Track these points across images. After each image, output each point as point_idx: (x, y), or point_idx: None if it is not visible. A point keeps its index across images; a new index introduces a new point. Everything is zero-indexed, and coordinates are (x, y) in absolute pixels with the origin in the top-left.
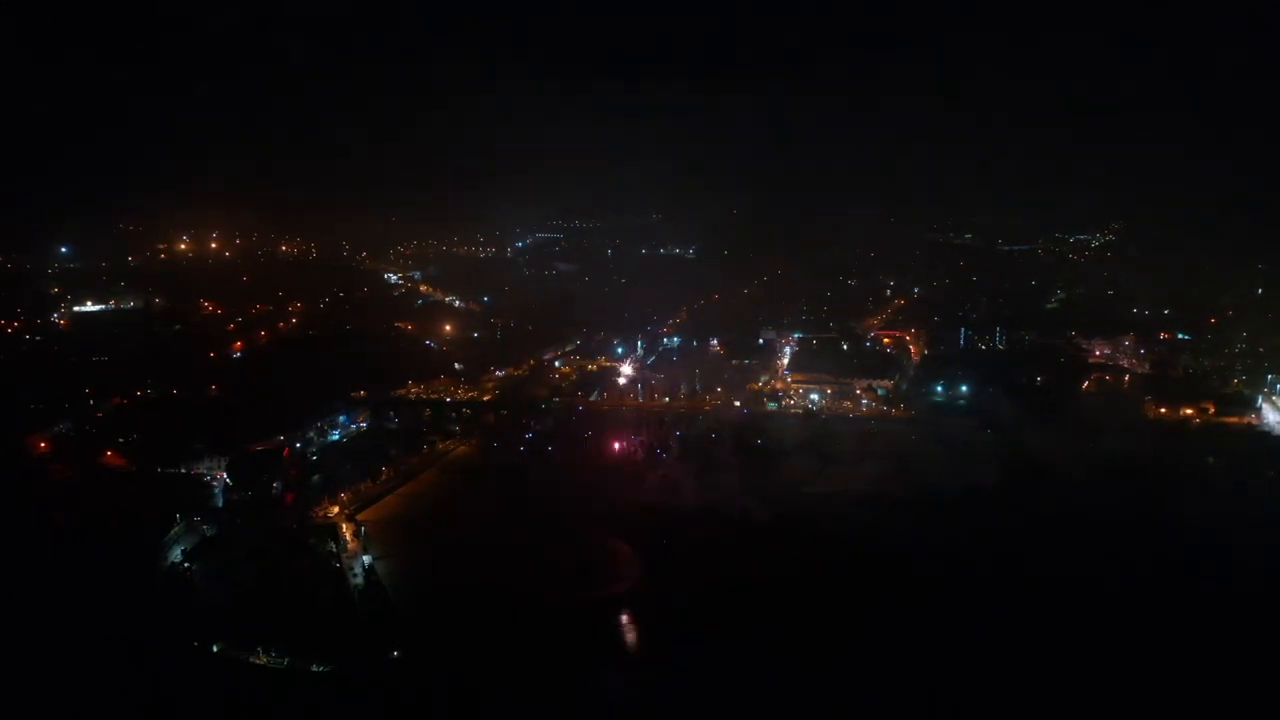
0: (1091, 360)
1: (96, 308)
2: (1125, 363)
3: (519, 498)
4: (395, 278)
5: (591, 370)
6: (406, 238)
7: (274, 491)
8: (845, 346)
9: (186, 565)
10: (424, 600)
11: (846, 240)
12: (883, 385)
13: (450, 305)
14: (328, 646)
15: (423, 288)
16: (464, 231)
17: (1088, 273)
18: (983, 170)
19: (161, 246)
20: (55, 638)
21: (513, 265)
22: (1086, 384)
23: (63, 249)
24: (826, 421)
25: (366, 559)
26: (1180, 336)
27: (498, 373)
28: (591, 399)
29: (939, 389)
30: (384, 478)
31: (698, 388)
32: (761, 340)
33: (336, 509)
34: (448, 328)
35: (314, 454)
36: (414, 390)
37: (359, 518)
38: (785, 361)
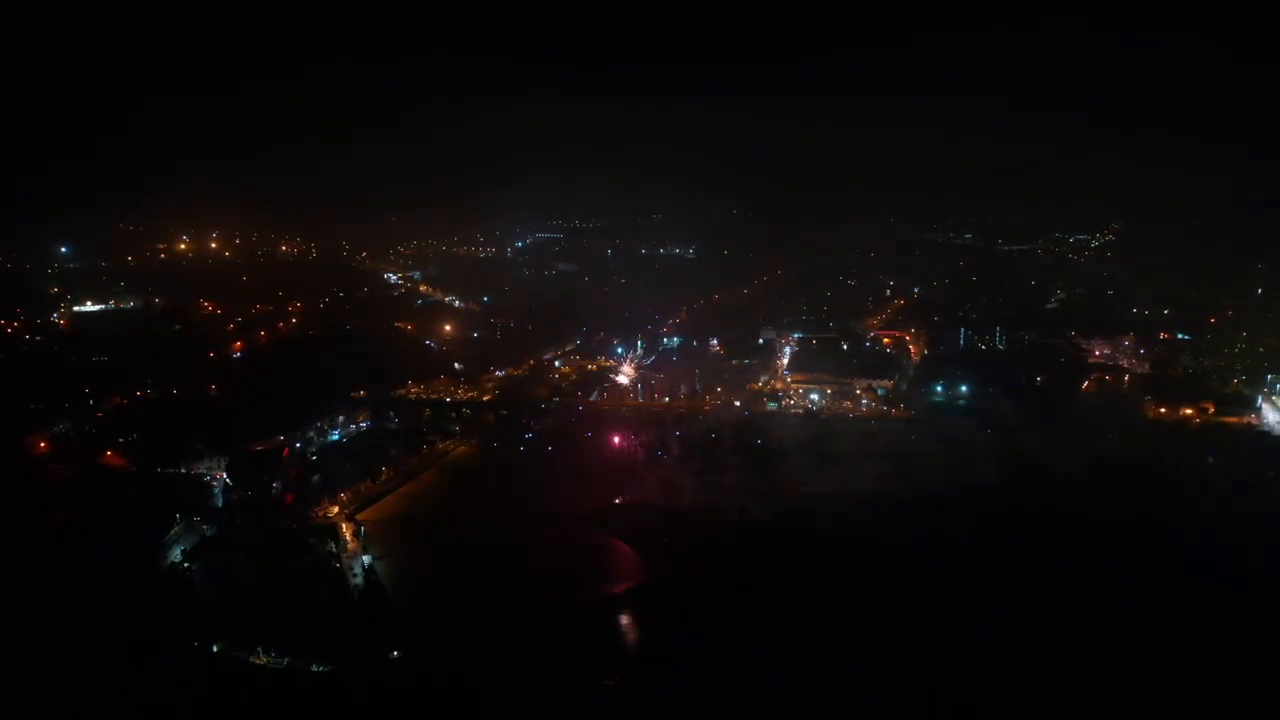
0: (1091, 360)
1: (96, 308)
2: (1125, 363)
3: (519, 498)
4: (395, 278)
5: (591, 370)
6: (406, 238)
7: (274, 491)
8: (845, 346)
9: (186, 565)
10: (424, 600)
11: (846, 240)
12: (883, 385)
13: (450, 305)
14: (328, 646)
15: (423, 288)
16: (464, 231)
17: (1088, 273)
18: (983, 170)
19: (161, 246)
20: (55, 638)
21: (513, 265)
22: (1086, 384)
23: (63, 249)
24: (826, 421)
25: (366, 559)
26: (1180, 336)
27: (498, 373)
28: (591, 399)
29: (939, 389)
30: (384, 478)
31: (698, 388)
32: (761, 340)
33: (336, 509)
34: (448, 328)
35: (314, 454)
36: (414, 390)
37: (359, 518)
38: (785, 361)
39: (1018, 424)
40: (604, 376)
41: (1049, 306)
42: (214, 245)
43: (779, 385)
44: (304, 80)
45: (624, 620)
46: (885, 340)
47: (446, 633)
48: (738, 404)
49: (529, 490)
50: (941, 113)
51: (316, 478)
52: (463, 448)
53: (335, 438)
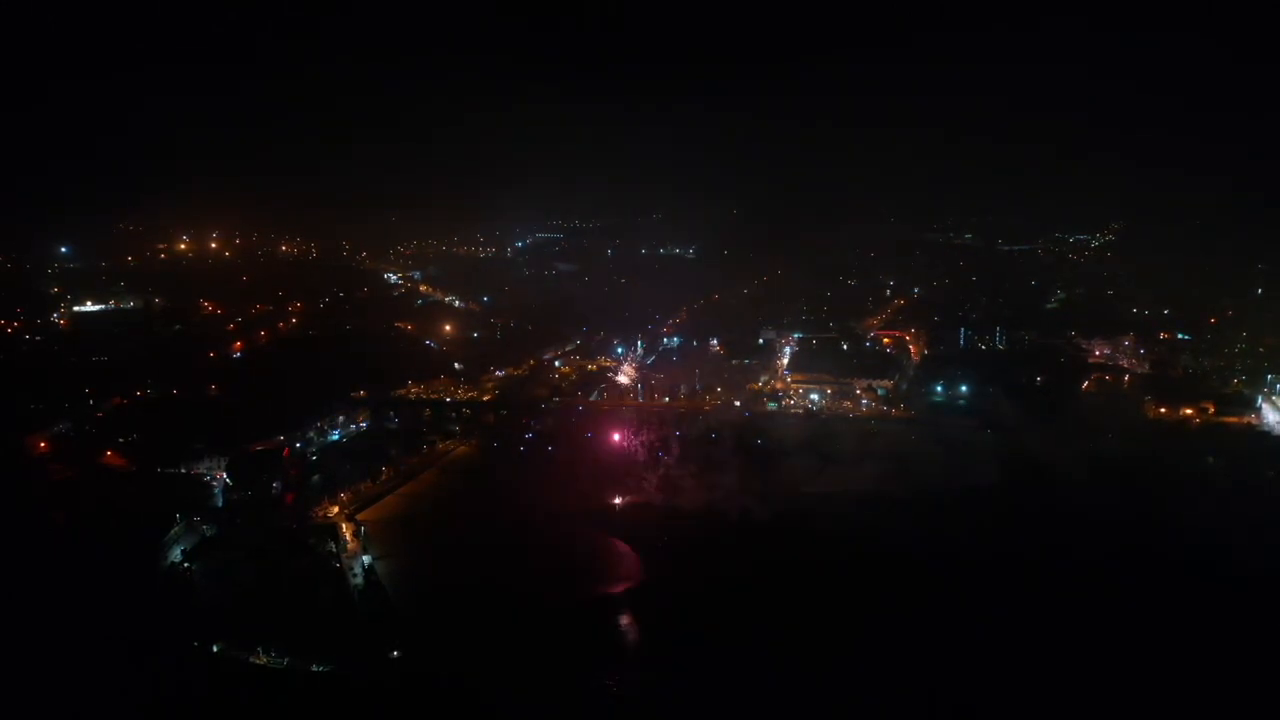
0: (1091, 360)
1: (96, 308)
2: (1125, 363)
3: (519, 498)
4: (395, 278)
5: (591, 370)
6: (406, 238)
7: (274, 491)
8: (845, 346)
9: (186, 565)
10: (424, 600)
11: (846, 240)
12: (883, 385)
13: (450, 305)
14: (328, 646)
15: (423, 288)
16: (464, 231)
17: (1088, 273)
18: (983, 170)
19: (161, 246)
20: (55, 637)
21: (513, 265)
22: (1086, 384)
23: (63, 249)
24: (826, 421)
25: (366, 559)
26: (1180, 336)
27: (498, 373)
28: (591, 399)
29: (939, 389)
30: (384, 478)
31: (698, 388)
32: (761, 340)
33: (336, 509)
34: (448, 328)
35: (314, 454)
36: (414, 390)
37: (359, 518)
38: (785, 361)
39: (1018, 424)
40: (604, 376)
41: (1049, 306)
42: (214, 245)
43: (779, 385)
44: (304, 80)
45: (624, 620)
46: (885, 340)
47: (446, 633)
48: (738, 404)
49: (529, 490)
50: (941, 113)
51: (316, 478)
52: (463, 448)
53: (335, 438)
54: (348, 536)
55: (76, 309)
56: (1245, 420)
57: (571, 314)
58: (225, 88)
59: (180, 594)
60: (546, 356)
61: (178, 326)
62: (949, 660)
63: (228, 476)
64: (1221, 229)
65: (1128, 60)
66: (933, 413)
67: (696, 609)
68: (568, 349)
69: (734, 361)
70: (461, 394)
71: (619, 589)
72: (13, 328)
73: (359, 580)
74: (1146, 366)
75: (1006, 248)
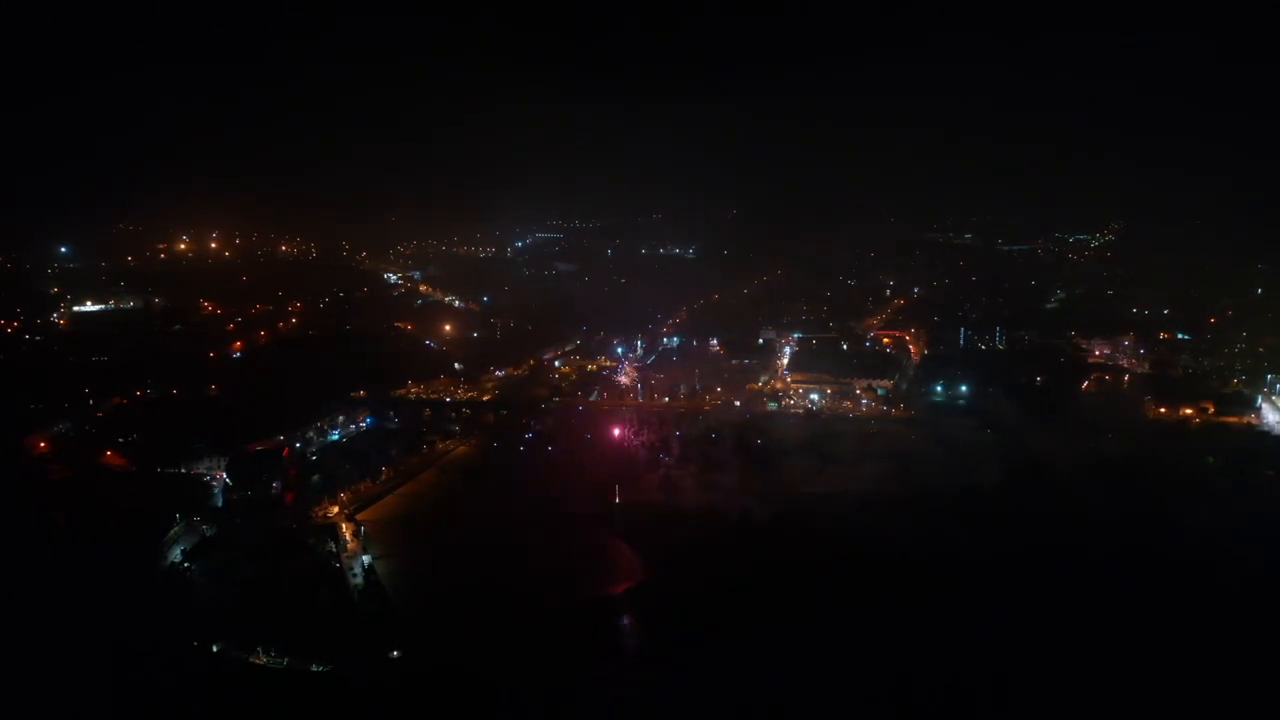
0: (1091, 360)
1: (96, 308)
2: (1125, 363)
3: (519, 498)
4: (395, 278)
5: (591, 370)
6: (406, 238)
7: (274, 491)
8: (845, 346)
9: (186, 565)
10: (424, 600)
11: (846, 240)
12: (883, 385)
13: (450, 305)
14: (328, 646)
15: (422, 288)
16: (464, 231)
17: (1088, 273)
18: (983, 170)
19: (161, 246)
20: (55, 637)
21: (513, 265)
22: (1086, 384)
23: (63, 249)
24: (826, 421)
25: (366, 559)
26: (1180, 336)
27: (498, 373)
28: (591, 399)
29: (939, 389)
30: (384, 478)
31: (698, 388)
32: (761, 340)
33: (336, 509)
34: (448, 328)
35: (314, 454)
36: (414, 390)
37: (359, 518)
38: (785, 361)
39: (1018, 424)
40: (604, 376)
41: (1049, 306)
42: (214, 245)
43: (779, 385)
44: (304, 80)
45: (624, 620)
46: (885, 340)
47: (446, 633)
48: (738, 404)
49: (529, 490)
50: (941, 113)
51: (316, 478)
52: (463, 448)
53: (335, 438)
54: (348, 536)
55: (76, 309)
56: (1245, 420)
57: (571, 314)
58: (225, 87)
59: (180, 594)
60: (546, 356)
61: (178, 326)
62: (949, 660)
63: (228, 476)
64: (1221, 229)
65: (1128, 60)
66: (933, 413)
67: (696, 609)
68: (568, 349)
69: (734, 361)
70: (461, 394)
71: (619, 589)
72: (13, 328)
73: (359, 580)
74: (1146, 366)
75: (1006, 248)
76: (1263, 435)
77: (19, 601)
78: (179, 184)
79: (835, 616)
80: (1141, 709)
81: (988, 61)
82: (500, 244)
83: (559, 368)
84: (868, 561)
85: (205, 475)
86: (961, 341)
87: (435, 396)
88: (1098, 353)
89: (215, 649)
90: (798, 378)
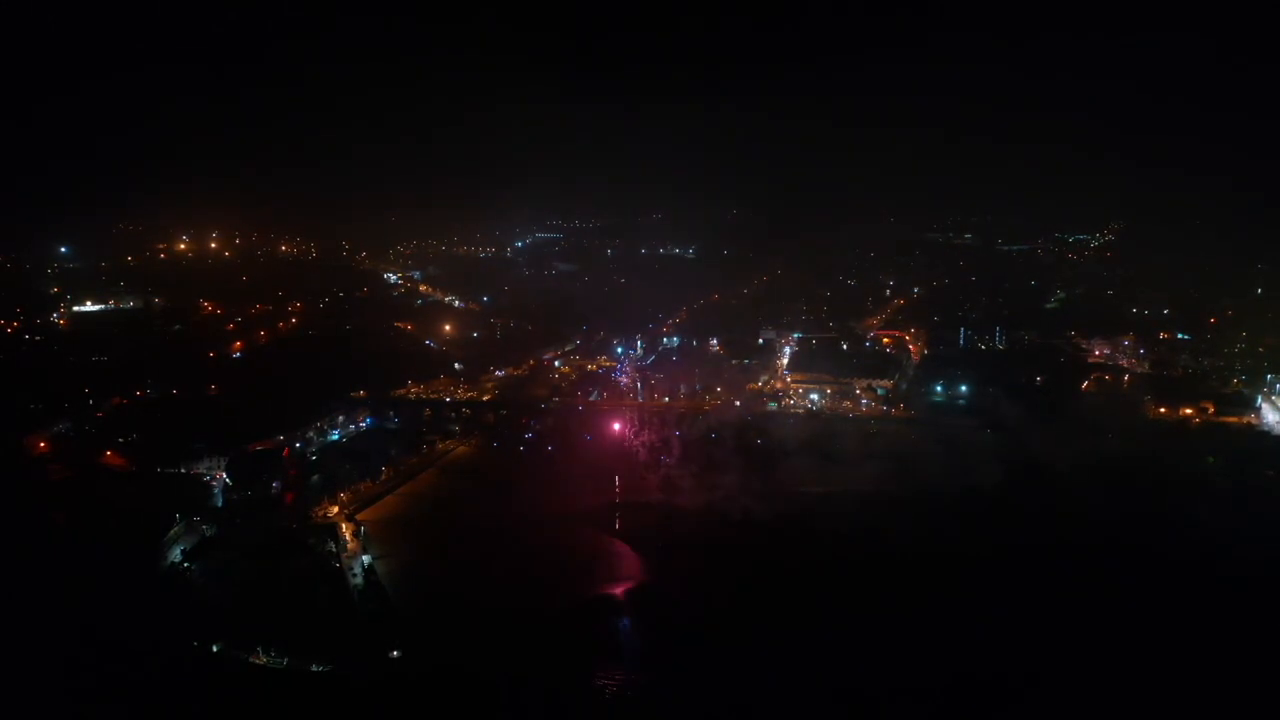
0: (1091, 360)
1: (96, 308)
2: (1125, 363)
3: (519, 498)
4: (395, 278)
5: (591, 370)
6: (406, 238)
7: (274, 491)
8: (845, 346)
9: (186, 565)
10: (424, 600)
11: (846, 240)
12: (882, 385)
13: (450, 305)
14: (328, 646)
15: (422, 288)
16: (464, 231)
17: (1088, 273)
18: (983, 170)
19: (161, 246)
20: (55, 637)
21: (512, 265)
22: (1086, 384)
23: (63, 249)
24: (827, 421)
25: (366, 559)
26: (1180, 336)
27: (498, 373)
28: (591, 399)
29: (939, 389)
30: (384, 478)
31: (698, 388)
32: (761, 340)
33: (336, 509)
34: (448, 328)
35: (314, 454)
36: (414, 390)
37: (359, 518)
38: (785, 361)
39: (1018, 424)
40: (604, 376)
41: (1049, 306)
42: (214, 245)
43: (779, 385)
44: (304, 80)
45: (624, 620)
46: (885, 340)
47: (446, 633)
48: (738, 404)
49: (529, 490)
50: (941, 113)
51: (316, 478)
52: (463, 448)
53: (335, 438)
54: (347, 536)
55: (76, 309)
56: (1245, 420)
57: (571, 314)
58: (225, 88)
59: (180, 594)
60: (546, 356)
61: (178, 326)
62: (949, 659)
63: (228, 476)
64: (1221, 229)
65: (1128, 60)
66: (933, 413)
67: (696, 609)
68: (568, 349)
69: (734, 361)
70: (461, 394)
71: (619, 589)
72: (13, 328)
73: (359, 580)
74: (1146, 366)
75: (1006, 248)
76: (1263, 435)
77: (19, 601)
78: (179, 184)
79: (835, 616)
80: (1142, 708)
81: (988, 61)
82: (500, 244)
83: (559, 368)
84: (868, 561)
85: (205, 475)
86: (961, 341)
87: (435, 396)
88: (1098, 353)
89: (215, 649)
90: (798, 378)
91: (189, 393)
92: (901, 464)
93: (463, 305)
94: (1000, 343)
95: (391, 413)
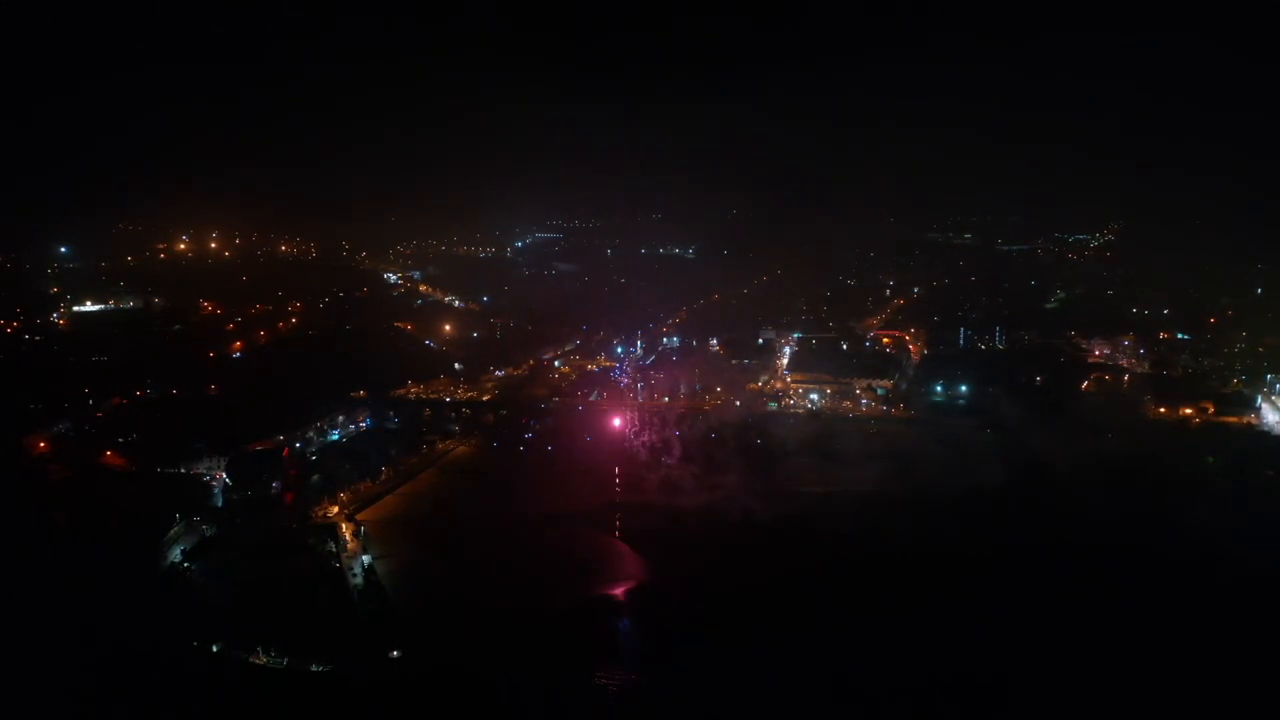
0: (1091, 360)
1: (96, 308)
2: (1125, 363)
3: (519, 498)
4: (395, 278)
5: (591, 370)
6: (406, 238)
7: (274, 491)
8: (845, 346)
9: (186, 565)
10: (424, 600)
11: (846, 240)
12: (882, 385)
13: (450, 305)
14: (328, 646)
15: (422, 288)
16: (464, 231)
17: (1088, 273)
18: (983, 170)
19: (161, 246)
20: (55, 637)
21: (512, 265)
22: (1086, 384)
23: (63, 249)
24: (826, 421)
25: (366, 559)
26: (1180, 336)
27: (498, 373)
28: (591, 399)
29: (939, 389)
30: (384, 478)
31: (698, 388)
32: (761, 340)
33: (336, 509)
34: (447, 328)
35: (314, 454)
36: (414, 390)
37: (359, 518)
38: (785, 361)
39: (1018, 424)
40: (604, 376)
41: (1049, 306)
42: (214, 245)
43: (779, 385)
44: (304, 80)
45: (624, 620)
46: (885, 340)
47: (446, 633)
48: (738, 404)
49: (529, 490)
50: (941, 113)
51: (316, 478)
52: (463, 448)
53: (335, 438)
54: (347, 536)
55: (76, 309)
56: (1245, 420)
57: (571, 314)
58: (225, 87)
59: (180, 594)
60: (546, 356)
61: (178, 326)
62: (949, 659)
63: (228, 476)
64: (1221, 229)
65: (1128, 60)
66: (933, 412)
67: (696, 609)
68: (568, 349)
69: (734, 361)
70: (461, 394)
71: (619, 589)
72: (13, 328)
73: (359, 580)
74: (1146, 366)
75: (1006, 248)
76: (1263, 435)
77: (19, 601)
78: (179, 184)
79: (835, 616)
80: (1142, 708)
81: (988, 61)
82: (500, 244)
83: (559, 368)
84: (868, 561)
85: (205, 475)
86: (961, 341)
87: (435, 396)
88: (1098, 353)
89: (215, 649)
90: (798, 378)
91: (189, 393)
92: (901, 464)
93: (463, 305)
94: (1000, 343)
95: (391, 413)
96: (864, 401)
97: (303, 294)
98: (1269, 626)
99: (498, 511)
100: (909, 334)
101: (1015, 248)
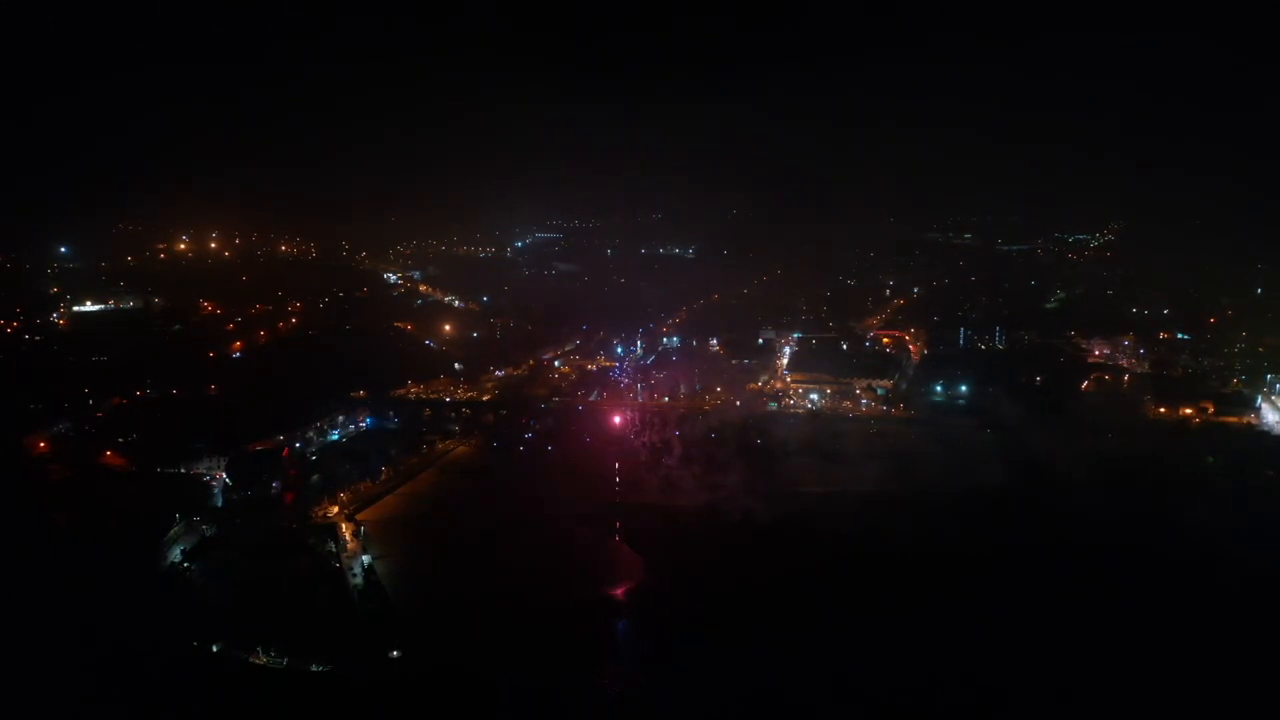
0: (1091, 360)
1: (96, 308)
2: (1125, 363)
3: (519, 498)
4: (395, 278)
5: (591, 370)
6: (406, 238)
7: (274, 491)
8: (845, 346)
9: (186, 565)
10: (424, 600)
11: (846, 240)
12: (882, 385)
13: (450, 305)
14: (328, 646)
15: (422, 288)
16: (464, 231)
17: (1088, 273)
18: (983, 170)
19: (161, 246)
20: (55, 637)
21: (512, 265)
22: (1086, 384)
23: (63, 249)
24: (826, 421)
25: (366, 559)
26: (1180, 336)
27: (498, 373)
28: (591, 399)
29: (939, 389)
30: (384, 478)
31: (698, 387)
32: (761, 340)
33: (336, 509)
34: (448, 328)
35: (314, 454)
36: (414, 390)
37: (359, 518)
38: (785, 361)
39: (1018, 424)
40: (604, 376)
41: (1049, 306)
42: (214, 245)
43: (779, 385)
44: (304, 80)
45: (624, 620)
46: (885, 340)
47: (446, 633)
48: (738, 404)
49: (529, 490)
50: (941, 112)
51: (316, 478)
52: (463, 448)
53: (335, 438)
54: (347, 536)
55: (76, 309)
56: (1245, 420)
57: (571, 314)
58: (225, 87)
59: (180, 594)
60: (546, 356)
61: (178, 326)
62: (949, 659)
63: (228, 476)
64: (1221, 229)
65: (1128, 60)
66: (933, 413)
67: (696, 609)
68: (568, 349)
69: (734, 361)
70: (461, 394)
71: (619, 589)
72: (13, 328)
73: (359, 580)
74: (1146, 366)
75: (1006, 248)
76: (1263, 435)
77: (19, 601)
78: (179, 184)
79: (836, 616)
80: (1142, 708)
81: (988, 61)
82: (500, 244)
83: (559, 368)
84: (868, 561)
85: (205, 475)
86: (961, 341)
87: (435, 396)
88: (1098, 353)
89: (215, 649)
90: (798, 378)
91: (189, 393)
92: (901, 464)
93: (463, 305)
94: (1000, 343)
95: (391, 413)
96: (864, 401)
97: (303, 294)
98: (1269, 626)
99: (498, 512)
100: (909, 334)
101: (1015, 248)
